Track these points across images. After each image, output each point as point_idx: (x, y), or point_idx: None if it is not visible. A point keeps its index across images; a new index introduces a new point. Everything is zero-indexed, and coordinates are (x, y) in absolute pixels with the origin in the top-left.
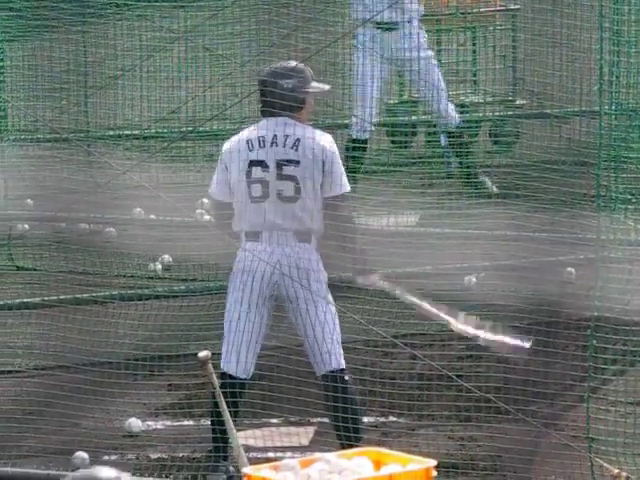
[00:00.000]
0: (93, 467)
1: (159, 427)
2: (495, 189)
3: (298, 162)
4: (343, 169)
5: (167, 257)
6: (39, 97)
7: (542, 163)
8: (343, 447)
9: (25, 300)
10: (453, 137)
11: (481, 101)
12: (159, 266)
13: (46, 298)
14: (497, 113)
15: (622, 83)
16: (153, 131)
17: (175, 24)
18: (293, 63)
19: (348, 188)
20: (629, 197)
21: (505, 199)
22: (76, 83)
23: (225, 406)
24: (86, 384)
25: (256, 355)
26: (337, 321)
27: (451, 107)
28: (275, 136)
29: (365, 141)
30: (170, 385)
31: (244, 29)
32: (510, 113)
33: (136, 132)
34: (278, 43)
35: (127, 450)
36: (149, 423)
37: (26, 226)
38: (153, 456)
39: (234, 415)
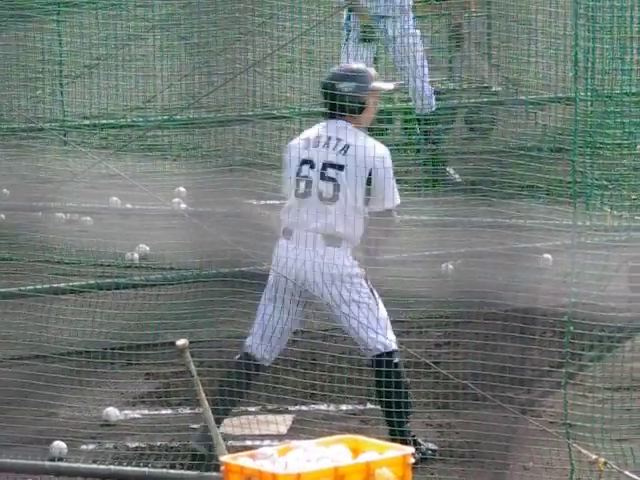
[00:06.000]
0: None
1: (136, 416)
2: (458, 178)
3: (342, 167)
4: (394, 183)
5: (144, 246)
6: (14, 86)
7: (518, 150)
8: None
9: (1, 290)
10: (427, 124)
11: (457, 88)
12: (136, 255)
13: (22, 288)
14: (473, 100)
15: (597, 69)
16: (129, 120)
17: (150, 13)
18: (355, 65)
19: (397, 201)
20: (605, 183)
21: (481, 186)
22: (51, 72)
23: (204, 395)
24: (63, 373)
25: (282, 344)
26: (374, 309)
27: (430, 92)
28: (329, 138)
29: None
30: (147, 374)
31: (219, 17)
32: (485, 100)
33: (112, 121)
34: (253, 31)
35: (105, 439)
36: (126, 412)
37: (2, 215)
38: (131, 445)
39: (244, 397)
